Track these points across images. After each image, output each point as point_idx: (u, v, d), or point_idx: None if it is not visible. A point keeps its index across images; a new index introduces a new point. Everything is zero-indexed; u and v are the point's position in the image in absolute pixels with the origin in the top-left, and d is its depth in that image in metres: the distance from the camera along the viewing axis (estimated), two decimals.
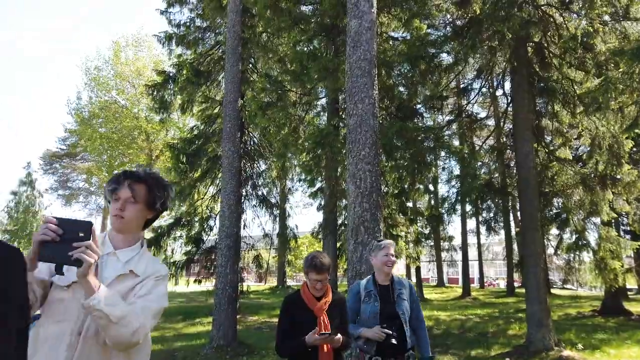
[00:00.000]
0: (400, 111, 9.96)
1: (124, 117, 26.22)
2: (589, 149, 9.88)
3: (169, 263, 13.97)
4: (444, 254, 28.81)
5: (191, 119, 19.55)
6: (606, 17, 9.55)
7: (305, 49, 8.56)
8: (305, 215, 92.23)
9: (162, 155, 26.06)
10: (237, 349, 8.15)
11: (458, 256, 26.45)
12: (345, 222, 10.78)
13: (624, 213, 12.81)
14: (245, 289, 14.86)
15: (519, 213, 13.63)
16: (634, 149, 12.48)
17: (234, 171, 8.49)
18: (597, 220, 11.22)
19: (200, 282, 15.50)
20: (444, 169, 14.02)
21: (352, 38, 5.39)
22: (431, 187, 20.92)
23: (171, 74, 12.92)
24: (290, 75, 8.97)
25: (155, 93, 12.81)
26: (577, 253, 11.30)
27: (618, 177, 9.90)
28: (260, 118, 9.40)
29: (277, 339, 2.87)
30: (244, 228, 14.53)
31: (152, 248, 13.77)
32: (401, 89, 10.57)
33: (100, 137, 26.07)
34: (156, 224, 23.91)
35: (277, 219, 15.66)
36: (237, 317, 12.68)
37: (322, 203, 12.02)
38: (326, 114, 11.37)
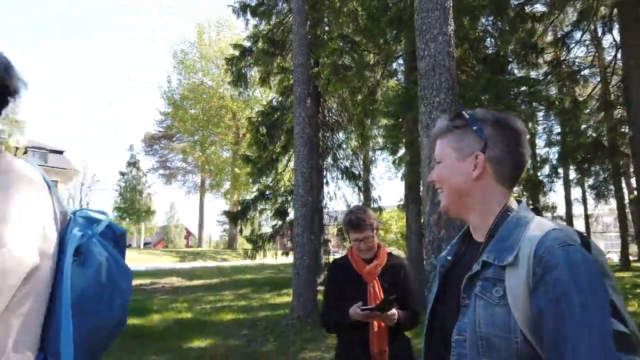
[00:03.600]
0: (487, 65, 8.94)
1: (211, 97, 27.28)
2: None
3: (256, 236, 14.27)
4: None
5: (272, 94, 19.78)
6: None
7: (375, 1, 7.87)
8: (392, 186, 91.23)
9: (248, 133, 26.86)
10: (319, 321, 7.98)
11: None
12: None
13: None
14: (331, 261, 14.76)
15: (633, 178, 11.90)
16: None
17: (306, 137, 8.19)
18: None
19: (287, 254, 15.75)
20: (544, 129, 12.57)
21: None
22: None
23: (247, 47, 12.90)
24: (362, 34, 8.37)
25: (232, 67, 12.87)
26: None
27: None
28: (334, 83, 8.96)
29: (322, 309, 2.47)
30: (330, 200, 14.44)
31: (239, 221, 14.15)
32: (489, 40, 9.51)
33: (190, 118, 27.43)
34: (241, 197, 24.58)
35: (361, 191, 15.29)
36: (320, 288, 12.67)
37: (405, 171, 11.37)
38: (403, 75, 10.59)
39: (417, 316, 2.39)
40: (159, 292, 13.02)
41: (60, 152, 39.87)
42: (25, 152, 32.33)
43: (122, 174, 35.83)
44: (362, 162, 16.39)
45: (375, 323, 2.25)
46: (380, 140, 14.52)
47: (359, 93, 10.08)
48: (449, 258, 1.20)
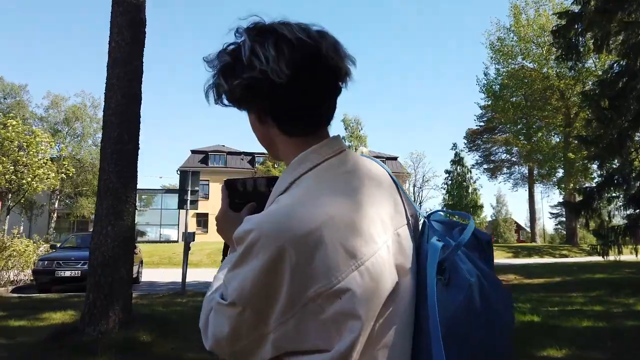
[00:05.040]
0: None
1: (533, 80, 25.25)
2: None
3: (606, 229, 12.24)
4: None
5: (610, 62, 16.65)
6: None
7: None
8: None
9: (582, 112, 23.59)
10: None
11: None
12: None
13: None
14: None
15: None
16: None
17: None
18: None
19: None
20: None
21: None
22: None
23: (576, 11, 11.22)
24: None
25: (559, 39, 11.42)
26: None
27: None
28: None
29: None
30: None
31: (583, 212, 12.36)
32: None
33: (512, 106, 26.10)
34: (578, 184, 21.71)
35: None
36: None
37: None
38: None
39: None
40: None
41: (395, 158, 44.90)
42: None
43: (448, 172, 37.27)
44: None
45: None
46: None
47: None
48: None
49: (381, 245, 0.80)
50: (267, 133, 0.93)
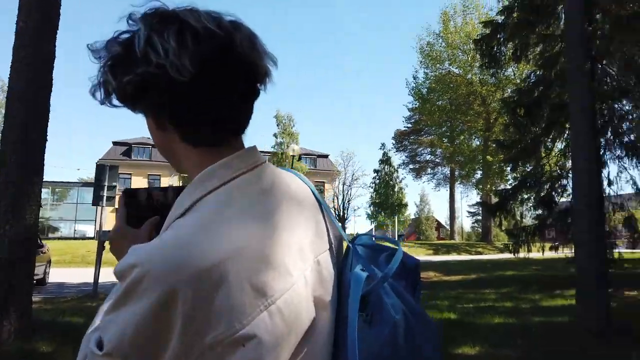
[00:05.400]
0: None
1: (458, 85, 26.54)
2: None
3: (518, 229, 13.03)
4: None
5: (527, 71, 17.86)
6: None
7: None
8: None
9: (500, 117, 25.22)
10: (616, 334, 6.47)
11: None
12: None
13: None
14: (616, 256, 12.31)
15: None
16: None
17: (586, 110, 6.77)
18: None
19: (556, 248, 13.90)
20: None
21: None
22: None
23: (500, 21, 11.80)
24: None
25: (483, 47, 11.94)
26: None
27: None
28: (617, 36, 7.21)
29: None
30: (609, 185, 12.05)
31: (498, 213, 13.07)
32: None
33: (438, 109, 27.27)
34: (494, 186, 22.92)
35: None
36: (608, 290, 10.53)
37: None
38: None
39: None
40: None
41: (326, 156, 45.25)
42: (299, 159, 37.88)
43: (376, 171, 38.20)
44: None
45: None
46: None
47: None
48: None
49: (297, 277, 0.67)
50: (166, 141, 0.75)
